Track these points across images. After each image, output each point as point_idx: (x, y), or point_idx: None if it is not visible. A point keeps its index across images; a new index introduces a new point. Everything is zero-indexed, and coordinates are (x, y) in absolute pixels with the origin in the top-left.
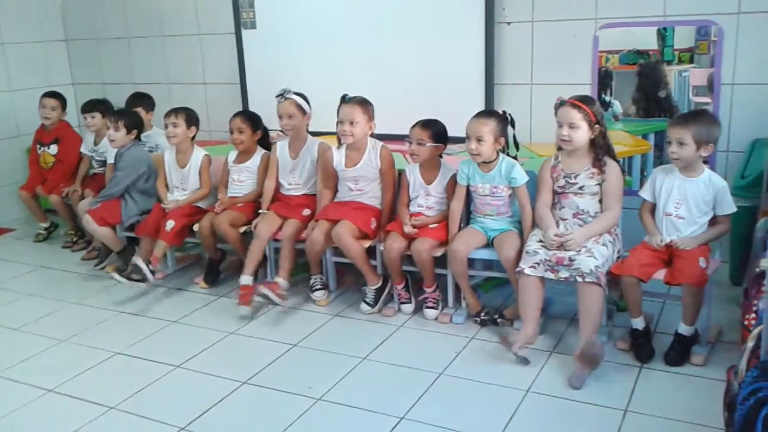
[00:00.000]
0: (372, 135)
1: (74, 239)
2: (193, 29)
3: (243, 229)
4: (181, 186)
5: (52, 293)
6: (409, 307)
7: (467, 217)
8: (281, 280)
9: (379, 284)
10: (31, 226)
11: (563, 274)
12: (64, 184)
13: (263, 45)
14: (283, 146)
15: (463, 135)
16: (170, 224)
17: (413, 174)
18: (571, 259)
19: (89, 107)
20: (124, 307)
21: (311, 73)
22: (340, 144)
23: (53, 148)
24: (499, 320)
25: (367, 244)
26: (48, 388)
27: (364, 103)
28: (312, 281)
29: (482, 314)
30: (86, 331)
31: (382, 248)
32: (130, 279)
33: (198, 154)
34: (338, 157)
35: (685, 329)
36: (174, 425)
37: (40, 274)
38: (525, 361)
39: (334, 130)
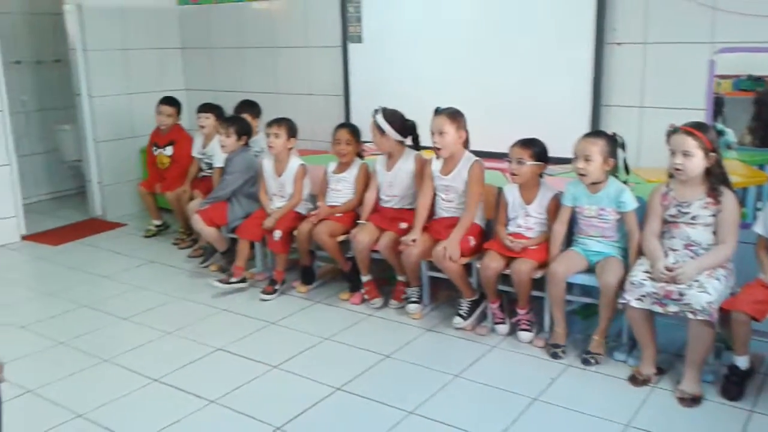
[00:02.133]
0: (466, 147)
1: (183, 237)
2: (302, 42)
3: (341, 238)
4: (279, 193)
5: (160, 287)
6: (503, 328)
7: (568, 240)
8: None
9: (475, 298)
10: (143, 222)
11: (672, 308)
12: (179, 183)
13: (368, 59)
14: (381, 160)
15: (566, 156)
16: (278, 234)
17: (512, 194)
18: (681, 294)
19: (205, 108)
20: (227, 305)
21: (413, 88)
22: (438, 156)
23: (168, 150)
24: (590, 359)
25: (464, 261)
26: (154, 378)
27: (453, 114)
28: (408, 293)
29: (560, 350)
30: (191, 325)
31: (478, 266)
32: (229, 283)
33: (294, 163)
34: (437, 164)
35: None
36: (270, 424)
37: (150, 268)
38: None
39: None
